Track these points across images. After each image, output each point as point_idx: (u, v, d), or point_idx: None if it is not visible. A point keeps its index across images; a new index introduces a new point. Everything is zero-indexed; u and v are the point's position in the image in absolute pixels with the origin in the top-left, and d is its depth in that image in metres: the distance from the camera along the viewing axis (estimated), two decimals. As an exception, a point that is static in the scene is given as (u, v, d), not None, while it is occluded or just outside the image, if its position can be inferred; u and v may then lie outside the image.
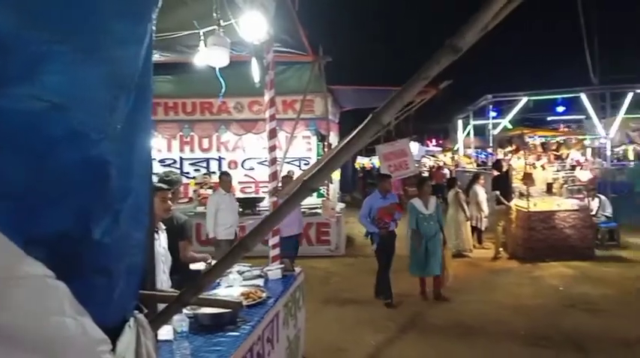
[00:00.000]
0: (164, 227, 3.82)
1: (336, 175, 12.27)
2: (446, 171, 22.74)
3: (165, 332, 2.75)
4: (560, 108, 20.24)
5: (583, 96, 14.98)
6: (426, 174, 22.11)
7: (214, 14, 3.99)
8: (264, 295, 3.91)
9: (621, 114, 15.26)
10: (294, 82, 10.30)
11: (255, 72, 5.23)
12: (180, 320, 2.99)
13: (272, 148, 4.91)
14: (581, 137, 10.33)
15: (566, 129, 17.41)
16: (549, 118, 22.71)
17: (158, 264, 3.59)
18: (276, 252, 4.87)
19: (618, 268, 9.01)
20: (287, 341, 4.34)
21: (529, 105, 16.22)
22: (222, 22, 4.12)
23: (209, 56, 4.22)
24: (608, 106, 14.66)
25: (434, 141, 45.01)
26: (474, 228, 10.95)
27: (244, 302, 3.56)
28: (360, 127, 1.52)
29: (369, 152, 29.69)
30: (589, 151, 17.74)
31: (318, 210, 10.92)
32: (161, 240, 3.74)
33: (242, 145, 12.39)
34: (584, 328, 6.08)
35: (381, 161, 10.60)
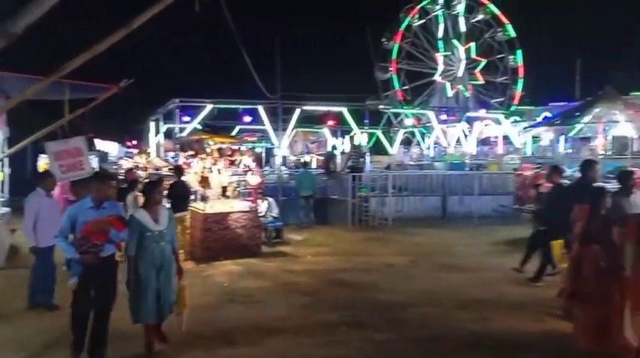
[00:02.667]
0: None
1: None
2: (140, 173, 22.13)
3: None
4: (248, 118, 22.03)
5: (260, 109, 16.69)
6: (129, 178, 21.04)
7: None
8: None
9: (291, 126, 17.52)
10: None
11: None
12: None
13: None
14: (251, 145, 11.35)
15: (254, 138, 19.09)
16: (239, 127, 24.51)
17: None
18: None
19: (279, 263, 10.20)
20: None
21: (214, 113, 17.16)
22: None
23: None
24: (280, 119, 16.61)
25: (135, 142, 43.61)
26: (156, 232, 10.88)
27: None
28: None
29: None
30: (277, 159, 19.80)
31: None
32: None
33: None
34: (237, 320, 6.60)
35: (51, 160, 9.55)
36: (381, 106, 25.41)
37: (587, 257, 5.39)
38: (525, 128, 26.13)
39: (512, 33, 38.42)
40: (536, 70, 37.93)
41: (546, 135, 25.26)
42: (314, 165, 23.53)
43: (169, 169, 13.20)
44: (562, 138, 23.00)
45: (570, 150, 23.81)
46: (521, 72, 38.98)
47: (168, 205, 10.04)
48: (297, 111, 17.45)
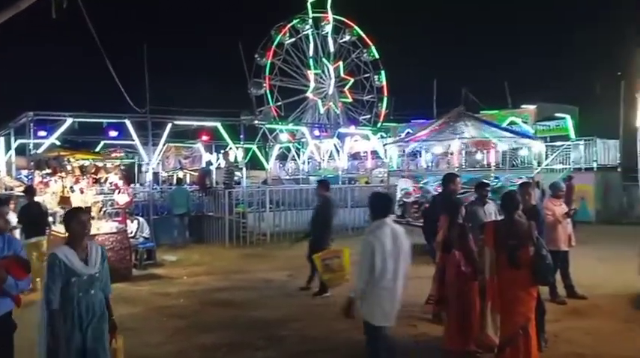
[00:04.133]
0: None
1: None
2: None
3: None
4: (114, 133, 20.74)
5: (128, 123, 15.85)
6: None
7: None
8: None
9: (162, 141, 16.87)
10: None
11: None
12: None
13: None
14: (118, 162, 10.66)
15: (120, 154, 17.93)
16: (104, 142, 22.97)
17: None
18: None
19: (151, 286, 9.64)
20: None
21: (74, 127, 15.94)
22: None
23: None
24: (150, 134, 15.92)
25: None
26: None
27: None
28: None
29: None
30: (147, 176, 18.78)
31: None
32: None
33: None
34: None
35: None
36: (255, 121, 25.43)
37: (450, 263, 5.83)
38: (386, 144, 27.81)
39: (376, 54, 40.86)
40: (399, 88, 40.76)
41: (409, 149, 27.12)
42: (188, 181, 22.87)
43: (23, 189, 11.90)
44: (423, 153, 24.79)
45: (431, 164, 25.78)
46: (385, 91, 41.51)
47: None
48: (169, 126, 16.84)
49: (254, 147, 26.79)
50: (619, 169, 20.91)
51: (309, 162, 31.85)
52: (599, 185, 19.88)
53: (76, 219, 4.08)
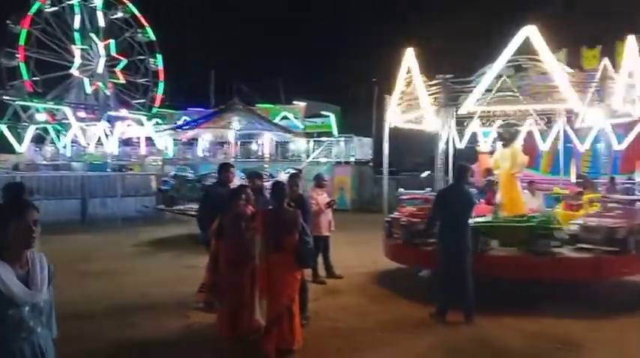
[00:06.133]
0: None
1: None
2: None
3: None
4: None
5: None
6: None
7: None
8: None
9: None
10: None
11: None
12: None
13: None
14: None
15: None
16: None
17: None
18: None
19: None
20: None
21: None
22: None
23: None
24: None
25: None
26: None
27: None
28: None
29: None
30: None
31: None
32: None
33: None
34: None
35: None
36: (5, 97, 21.97)
37: (224, 250, 5.92)
38: (160, 131, 26.93)
39: (152, 36, 39.00)
40: (176, 75, 39.59)
41: (186, 137, 26.70)
42: None
43: None
44: (200, 141, 24.66)
45: (208, 153, 25.80)
46: (161, 75, 39.92)
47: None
48: None
49: (2, 126, 23.19)
50: (371, 164, 24.01)
51: (72, 147, 28.86)
52: (355, 177, 22.55)
53: (19, 219, 2.39)
